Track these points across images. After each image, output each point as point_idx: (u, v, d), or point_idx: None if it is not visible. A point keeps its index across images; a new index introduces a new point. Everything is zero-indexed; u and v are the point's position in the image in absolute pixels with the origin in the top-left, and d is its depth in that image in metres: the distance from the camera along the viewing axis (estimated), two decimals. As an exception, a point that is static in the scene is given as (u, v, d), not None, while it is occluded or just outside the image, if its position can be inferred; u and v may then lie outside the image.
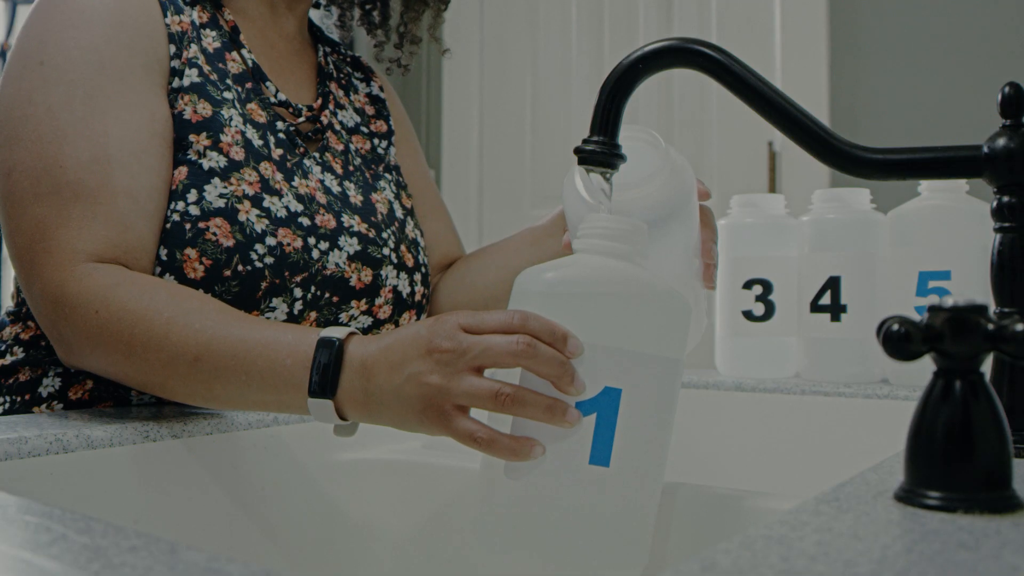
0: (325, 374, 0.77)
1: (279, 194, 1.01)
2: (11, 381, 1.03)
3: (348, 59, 1.31)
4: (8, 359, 1.04)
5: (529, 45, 3.40)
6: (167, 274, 0.94)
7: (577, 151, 0.76)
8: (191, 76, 1.01)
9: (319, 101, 1.17)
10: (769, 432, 1.18)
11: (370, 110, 1.27)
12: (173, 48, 1.01)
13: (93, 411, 0.92)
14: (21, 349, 1.04)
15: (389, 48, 1.34)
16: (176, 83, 1.00)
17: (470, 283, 1.25)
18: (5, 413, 1.01)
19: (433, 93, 3.53)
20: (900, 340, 0.51)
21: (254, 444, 0.88)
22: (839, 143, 0.75)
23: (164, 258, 0.94)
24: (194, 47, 1.03)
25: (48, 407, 1.00)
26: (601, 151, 0.76)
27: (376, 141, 1.24)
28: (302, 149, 1.09)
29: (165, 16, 1.02)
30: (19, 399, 1.02)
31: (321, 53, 1.24)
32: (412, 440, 1.01)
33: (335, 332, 0.79)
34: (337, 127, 1.18)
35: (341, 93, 1.23)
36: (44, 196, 0.91)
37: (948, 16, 2.70)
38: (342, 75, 1.27)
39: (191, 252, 0.94)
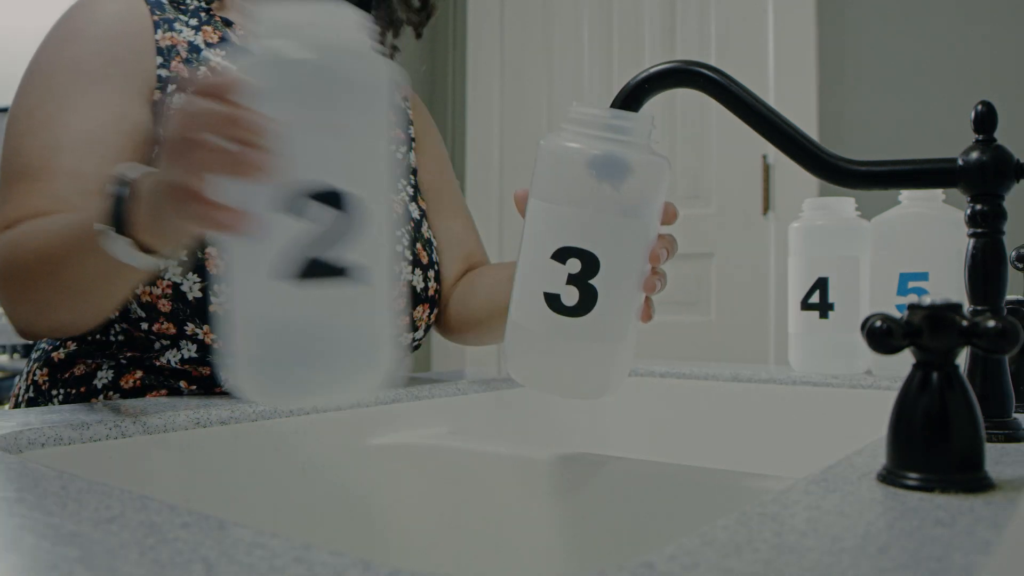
0: (116, 206, 0.71)
1: None
2: (67, 375, 1.02)
3: None
4: (63, 352, 1.04)
5: (545, 68, 3.40)
6: (191, 273, 0.93)
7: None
8: None
9: None
10: (764, 419, 1.17)
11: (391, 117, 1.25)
12: (160, 60, 1.00)
13: (148, 400, 0.92)
14: (74, 343, 1.04)
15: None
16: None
17: (464, 303, 1.21)
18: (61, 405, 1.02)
19: (458, 112, 3.54)
20: (882, 335, 0.51)
21: (295, 430, 0.88)
22: (827, 156, 0.75)
23: (185, 257, 0.93)
24: (205, 70, 1.02)
25: (105, 397, 1.00)
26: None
27: (395, 147, 1.22)
28: None
29: (156, 32, 1.01)
30: (74, 391, 1.01)
31: None
32: (438, 426, 1.01)
33: (130, 170, 0.73)
34: None
35: None
36: (3, 181, 0.94)
37: (925, 42, 2.69)
38: None
39: (212, 251, 0.94)
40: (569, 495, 0.84)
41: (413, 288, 1.10)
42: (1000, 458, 0.60)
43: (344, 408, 0.93)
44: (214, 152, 0.57)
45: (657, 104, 3.07)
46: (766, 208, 2.90)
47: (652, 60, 3.14)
